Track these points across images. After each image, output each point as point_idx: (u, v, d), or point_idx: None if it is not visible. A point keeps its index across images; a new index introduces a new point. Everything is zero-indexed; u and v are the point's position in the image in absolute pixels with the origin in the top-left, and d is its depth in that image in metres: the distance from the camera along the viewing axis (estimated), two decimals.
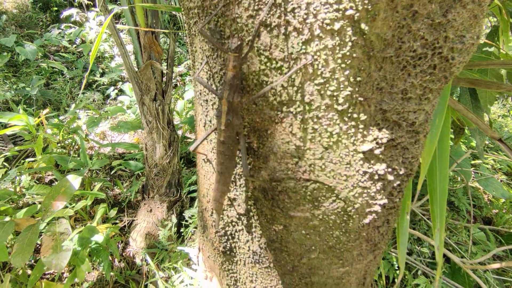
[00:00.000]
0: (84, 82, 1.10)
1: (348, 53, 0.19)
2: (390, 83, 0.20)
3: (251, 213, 0.28)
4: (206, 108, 0.27)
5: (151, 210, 1.84)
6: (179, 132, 2.60)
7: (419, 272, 1.59)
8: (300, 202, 0.25)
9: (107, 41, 3.62)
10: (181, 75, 3.36)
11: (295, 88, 0.22)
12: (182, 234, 1.82)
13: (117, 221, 1.94)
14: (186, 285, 1.11)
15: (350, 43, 0.19)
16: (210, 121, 0.27)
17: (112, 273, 1.53)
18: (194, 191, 1.97)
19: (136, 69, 1.60)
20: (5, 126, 2.42)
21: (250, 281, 0.33)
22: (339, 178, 0.24)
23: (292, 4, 0.19)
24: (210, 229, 0.33)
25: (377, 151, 0.22)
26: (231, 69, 0.22)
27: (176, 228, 1.83)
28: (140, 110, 1.70)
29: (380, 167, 0.23)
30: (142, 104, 1.67)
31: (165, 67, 1.68)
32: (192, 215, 1.86)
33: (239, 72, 0.22)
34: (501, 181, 2.40)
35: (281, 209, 0.26)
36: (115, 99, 3.00)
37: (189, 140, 2.71)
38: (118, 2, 3.70)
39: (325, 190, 0.24)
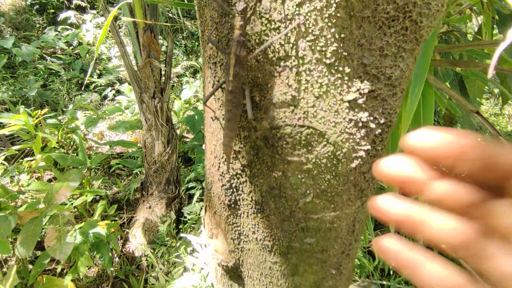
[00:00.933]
0: (86, 81, 1.13)
1: (333, 13, 0.23)
2: (369, 40, 0.24)
3: (253, 164, 0.32)
4: (215, 70, 0.31)
5: (150, 207, 1.87)
6: (177, 132, 2.64)
7: None
8: (295, 147, 0.29)
9: (104, 43, 3.65)
10: (178, 76, 3.40)
11: (290, 45, 0.26)
12: (181, 230, 1.85)
13: (116, 218, 1.96)
14: (189, 273, 1.13)
15: (334, 5, 0.23)
16: (218, 81, 0.30)
17: (112, 268, 1.55)
18: (193, 188, 2.00)
19: (136, 68, 1.64)
20: (2, 126, 2.44)
21: (252, 232, 0.37)
22: (329, 124, 0.28)
23: None
24: (216, 183, 0.37)
25: (360, 101, 0.26)
26: (238, 28, 0.25)
27: (175, 224, 1.85)
28: (139, 108, 1.73)
29: (363, 115, 0.27)
30: (141, 102, 1.70)
31: (164, 66, 1.71)
32: (191, 212, 1.89)
33: (245, 31, 0.25)
34: None
35: (279, 155, 0.29)
36: (112, 99, 3.03)
37: (186, 139, 2.74)
38: (115, 3, 3.74)
39: (317, 135, 0.28)
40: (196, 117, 2.39)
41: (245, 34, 0.26)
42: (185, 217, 1.89)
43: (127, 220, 1.92)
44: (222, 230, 0.39)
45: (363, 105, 0.26)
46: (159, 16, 1.71)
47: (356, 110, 0.27)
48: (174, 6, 0.85)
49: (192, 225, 1.86)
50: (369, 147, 0.29)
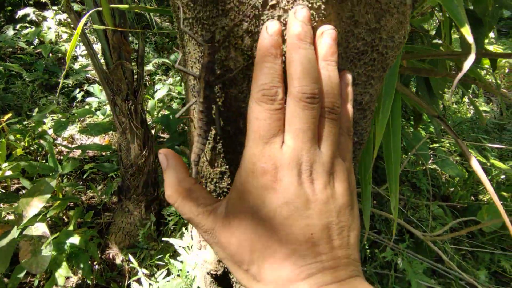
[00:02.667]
0: (51, 83, 1.09)
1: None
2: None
3: (226, 173, 0.35)
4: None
5: (128, 211, 1.84)
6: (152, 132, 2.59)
7: (387, 249, 1.73)
8: None
9: (69, 41, 3.48)
10: (149, 75, 3.32)
11: None
12: (162, 232, 1.84)
13: (94, 225, 1.91)
14: (174, 277, 1.14)
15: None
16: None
17: (92, 276, 1.52)
18: None
19: (106, 70, 1.59)
20: None
21: None
22: None
23: (267, 16, 0.25)
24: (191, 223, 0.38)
25: None
26: (206, 56, 0.28)
27: (155, 227, 1.84)
28: (112, 110, 1.68)
29: None
30: (114, 105, 1.65)
31: (136, 67, 1.67)
32: (171, 213, 1.88)
33: (213, 58, 0.28)
34: (455, 161, 2.63)
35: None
36: (81, 101, 2.91)
37: (162, 139, 2.70)
38: (79, 1, 3.56)
39: None
40: (171, 116, 2.35)
41: (214, 61, 0.28)
42: (165, 219, 1.88)
43: (105, 226, 1.88)
44: None
45: None
46: (128, 13, 1.66)
47: None
48: (147, 12, 0.83)
49: (173, 226, 1.85)
50: None
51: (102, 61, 1.64)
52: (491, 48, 4.44)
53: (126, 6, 0.86)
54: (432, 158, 2.40)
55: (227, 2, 0.24)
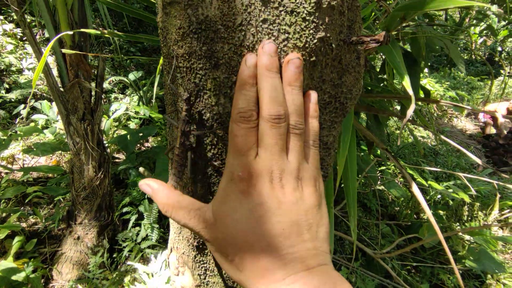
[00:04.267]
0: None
1: None
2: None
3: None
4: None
5: (78, 238, 1.71)
6: None
7: (342, 268, 1.82)
8: None
9: (14, 52, 3.24)
10: (105, 92, 3.20)
11: None
12: (115, 259, 1.74)
13: (36, 254, 1.74)
14: None
15: None
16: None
17: None
18: (127, 213, 1.90)
19: (61, 88, 1.52)
20: None
21: (218, 267, 0.41)
22: None
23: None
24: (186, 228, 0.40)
25: None
26: (184, 110, 0.32)
27: (108, 254, 1.73)
28: (66, 130, 1.60)
29: None
30: (68, 124, 1.57)
31: (94, 86, 1.62)
32: (126, 238, 1.79)
33: (190, 112, 0.33)
34: (400, 183, 2.87)
35: None
36: (26, 118, 2.69)
37: (117, 160, 2.58)
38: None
39: None
40: (128, 137, 2.28)
41: (190, 116, 0.33)
42: (119, 245, 1.78)
43: (49, 255, 1.72)
44: (189, 268, 0.42)
45: None
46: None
47: None
48: (117, 37, 0.84)
49: (128, 253, 1.76)
50: None
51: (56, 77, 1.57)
52: (425, 81, 5.04)
53: (93, 31, 0.86)
54: (379, 180, 2.61)
55: (220, 58, 0.29)
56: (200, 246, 0.40)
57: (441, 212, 2.54)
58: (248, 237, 0.30)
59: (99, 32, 0.86)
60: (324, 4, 0.27)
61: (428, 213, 0.59)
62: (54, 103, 2.67)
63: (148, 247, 1.81)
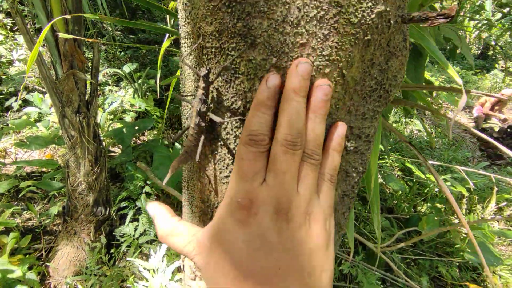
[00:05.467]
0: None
1: (333, 89, 0.28)
2: (355, 108, 0.29)
3: None
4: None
5: (75, 233, 1.67)
6: None
7: (343, 262, 1.81)
8: None
9: (4, 43, 3.14)
10: (99, 85, 3.12)
11: None
12: (113, 255, 1.70)
13: (31, 251, 1.70)
14: None
15: (334, 82, 0.27)
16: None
17: None
18: (125, 207, 1.86)
19: (55, 79, 1.46)
20: None
21: None
22: None
23: (297, 53, 0.26)
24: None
25: (347, 157, 0.31)
26: (201, 88, 0.29)
27: (106, 250, 1.70)
28: (61, 123, 1.54)
29: (348, 168, 0.32)
30: (63, 117, 1.52)
31: (90, 77, 1.57)
32: (124, 234, 1.76)
33: (207, 91, 0.30)
34: (397, 176, 2.88)
35: None
36: (18, 111, 2.61)
37: (113, 154, 2.53)
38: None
39: None
40: (124, 130, 2.23)
41: (207, 94, 0.30)
42: (117, 240, 1.75)
43: (45, 252, 1.67)
44: None
45: (349, 160, 0.31)
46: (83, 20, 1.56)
47: (343, 164, 0.31)
48: (116, 23, 0.79)
49: (127, 248, 1.72)
50: (350, 191, 0.33)
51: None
52: None
53: (90, 15, 0.81)
54: (378, 174, 2.60)
55: (257, 36, 0.25)
56: None
57: (438, 205, 2.55)
58: (240, 272, 0.27)
59: (97, 17, 0.81)
60: None
61: (460, 215, 0.56)
62: (46, 96, 2.59)
63: (147, 242, 1.78)
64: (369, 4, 0.24)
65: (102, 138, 2.37)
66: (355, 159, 0.32)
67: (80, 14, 0.81)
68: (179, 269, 1.26)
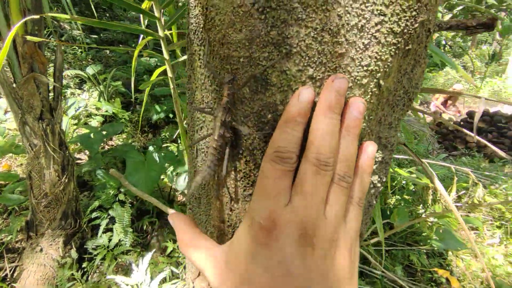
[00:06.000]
0: None
1: (368, 100, 0.27)
2: (384, 118, 0.29)
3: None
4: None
5: (41, 250, 1.54)
6: None
7: None
8: None
9: None
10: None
11: None
12: (86, 270, 1.59)
13: None
14: None
15: (370, 93, 0.26)
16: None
17: None
18: (97, 218, 1.75)
19: (13, 83, 1.34)
20: None
21: None
22: None
23: (335, 64, 0.25)
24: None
25: (374, 167, 0.31)
26: (225, 96, 0.27)
27: (77, 265, 1.59)
28: (21, 131, 1.41)
29: (374, 178, 0.31)
30: (23, 125, 1.39)
31: (53, 80, 1.45)
32: (97, 246, 1.66)
33: (232, 99, 0.28)
34: None
35: None
36: None
37: (79, 161, 2.37)
38: None
39: None
40: (92, 135, 2.10)
41: (232, 102, 0.28)
42: (90, 253, 1.64)
43: (10, 271, 1.53)
44: None
45: (376, 170, 0.31)
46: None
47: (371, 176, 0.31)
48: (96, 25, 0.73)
49: (101, 261, 1.62)
50: (374, 202, 0.33)
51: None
52: None
53: (63, 16, 0.74)
54: None
55: (293, 46, 0.24)
56: None
57: (407, 197, 2.69)
58: None
59: (68, 17, 0.75)
60: None
61: (455, 212, 0.59)
62: (1, 101, 2.37)
63: (122, 253, 1.69)
64: (414, 13, 0.24)
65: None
66: (381, 169, 0.31)
67: (47, 14, 0.74)
68: (165, 280, 1.21)
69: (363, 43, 0.24)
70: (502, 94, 8.23)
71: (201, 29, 0.28)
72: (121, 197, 1.80)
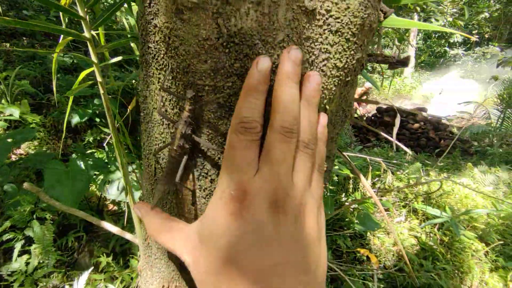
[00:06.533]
0: None
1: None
2: (328, 134, 0.34)
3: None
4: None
5: None
6: None
7: None
8: None
9: None
10: None
11: None
12: None
13: None
14: None
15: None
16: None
17: None
18: (10, 240, 1.52)
19: None
20: None
21: None
22: None
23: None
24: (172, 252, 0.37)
25: None
26: (187, 111, 0.28)
27: None
28: None
29: None
30: None
31: None
32: (13, 271, 1.45)
33: (193, 113, 0.29)
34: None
35: None
36: None
37: None
38: None
39: None
40: None
41: (192, 117, 0.30)
42: (5, 281, 1.42)
43: None
44: None
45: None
46: None
47: None
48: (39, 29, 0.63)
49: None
50: None
51: None
52: None
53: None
54: None
55: None
56: None
57: (331, 187, 2.97)
58: (232, 269, 0.25)
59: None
60: (366, 26, 0.28)
61: (374, 198, 0.68)
62: None
63: (44, 276, 1.51)
64: (352, 52, 0.29)
65: None
66: (325, 176, 0.37)
67: None
68: None
69: None
70: (402, 91, 9.65)
71: (162, 55, 0.29)
72: (39, 213, 1.60)
